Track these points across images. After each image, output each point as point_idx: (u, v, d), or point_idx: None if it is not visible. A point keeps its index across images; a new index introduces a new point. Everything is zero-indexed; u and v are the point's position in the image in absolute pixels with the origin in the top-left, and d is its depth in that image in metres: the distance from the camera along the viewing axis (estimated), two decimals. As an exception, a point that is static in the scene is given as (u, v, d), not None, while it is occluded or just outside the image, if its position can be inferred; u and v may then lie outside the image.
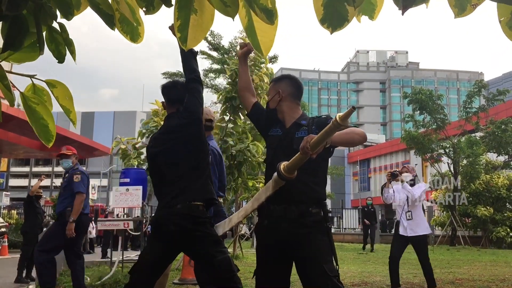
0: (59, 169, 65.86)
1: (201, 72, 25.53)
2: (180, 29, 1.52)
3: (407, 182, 6.41)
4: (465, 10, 1.30)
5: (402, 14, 1.12)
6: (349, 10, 1.56)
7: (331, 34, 1.61)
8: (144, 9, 1.56)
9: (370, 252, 15.68)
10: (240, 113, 8.50)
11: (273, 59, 27.57)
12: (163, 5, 1.47)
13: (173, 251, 3.10)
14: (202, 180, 3.08)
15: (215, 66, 27.29)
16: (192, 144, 3.12)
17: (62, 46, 1.92)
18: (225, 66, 9.78)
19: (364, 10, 1.56)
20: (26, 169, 66.24)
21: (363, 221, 18.03)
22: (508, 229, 19.59)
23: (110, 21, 1.88)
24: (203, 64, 28.40)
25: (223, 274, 2.90)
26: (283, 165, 2.36)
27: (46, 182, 53.74)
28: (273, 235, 2.55)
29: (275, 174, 2.39)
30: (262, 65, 8.26)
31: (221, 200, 4.54)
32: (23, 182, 65.03)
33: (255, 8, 1.48)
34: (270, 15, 1.48)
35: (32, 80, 2.02)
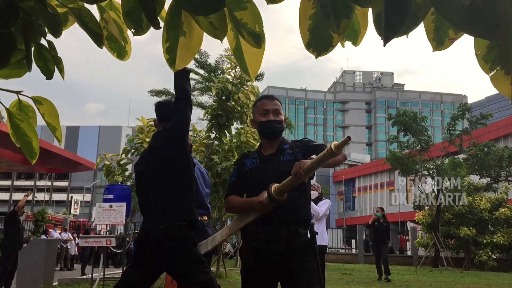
0: (41, 183, 65.05)
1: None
2: (169, 51, 1.54)
3: (312, 200, 6.75)
4: (443, 44, 1.34)
5: (384, 45, 1.15)
6: (333, 36, 1.61)
7: (316, 58, 1.65)
8: (132, 30, 1.58)
9: (384, 282, 11.67)
10: (226, 131, 8.52)
11: (259, 76, 27.80)
12: (151, 27, 1.49)
13: (156, 271, 3.07)
14: (185, 201, 3.06)
15: (200, 86, 27.49)
16: (175, 165, 3.10)
17: (50, 62, 1.93)
18: (211, 84, 9.78)
19: (348, 36, 1.60)
20: (8, 182, 65.22)
21: (373, 241, 13.34)
22: (490, 253, 19.76)
23: (98, 40, 1.90)
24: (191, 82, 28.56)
25: None
26: (274, 187, 2.37)
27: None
28: (261, 257, 2.51)
29: (265, 195, 2.39)
30: (248, 83, 8.32)
31: (205, 218, 4.50)
32: (4, 196, 64.03)
33: (243, 32, 1.51)
34: (258, 39, 1.51)
35: (18, 96, 2.02)
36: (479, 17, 1.09)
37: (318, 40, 1.58)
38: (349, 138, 2.12)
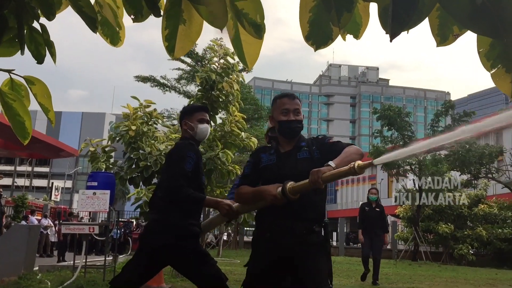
0: (22, 168, 64.11)
1: (173, 79, 24.88)
2: (168, 39, 1.52)
3: None
4: (447, 40, 1.35)
5: (391, 41, 1.15)
6: (334, 29, 1.60)
7: (315, 51, 1.64)
8: (132, 16, 1.55)
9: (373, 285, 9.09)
10: (211, 121, 8.46)
11: (246, 67, 27.71)
12: (151, 14, 1.46)
13: (158, 265, 3.10)
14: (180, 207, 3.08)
15: (187, 75, 27.34)
16: (165, 175, 3.18)
17: (42, 46, 1.89)
18: (196, 74, 9.68)
19: (350, 29, 1.60)
20: (-14, 167, 64.14)
21: (364, 232, 9.63)
22: (470, 247, 20.13)
23: (92, 24, 1.86)
24: (176, 71, 28.38)
25: (212, 286, 2.95)
26: (289, 185, 2.41)
27: (7, 181, 52.11)
28: (275, 248, 2.53)
29: (279, 189, 2.42)
30: (233, 73, 8.26)
31: None
32: (-17, 180, 62.88)
33: (244, 22, 1.49)
34: (259, 30, 1.50)
35: (10, 75, 1.97)
36: (486, 15, 1.09)
37: (318, 33, 1.57)
38: (372, 163, 2.28)
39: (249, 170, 2.77)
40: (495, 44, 1.26)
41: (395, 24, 1.12)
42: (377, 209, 9.66)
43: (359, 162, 2.22)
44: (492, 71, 1.29)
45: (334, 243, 31.58)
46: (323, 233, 2.60)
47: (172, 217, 2.99)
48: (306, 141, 2.73)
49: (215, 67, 8.14)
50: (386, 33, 1.16)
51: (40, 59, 1.98)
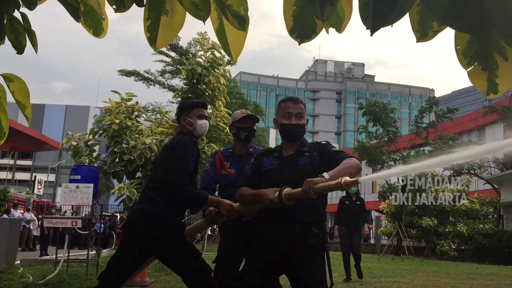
0: (4, 161, 63.15)
1: (157, 72, 24.57)
2: (150, 29, 1.51)
3: None
4: (427, 36, 1.36)
5: (371, 35, 1.15)
6: (317, 23, 1.60)
7: (299, 45, 1.65)
8: (114, 6, 1.53)
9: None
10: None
11: (231, 60, 27.64)
12: (134, 4, 1.45)
13: (146, 257, 3.10)
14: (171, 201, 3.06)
15: (171, 68, 27.15)
16: (166, 170, 3.09)
17: (22, 36, 1.86)
18: (181, 67, 9.60)
19: (332, 22, 1.60)
20: (-33, 160, 63.05)
21: (342, 228, 8.99)
22: (451, 243, 20.40)
23: (75, 13, 1.84)
24: (160, 64, 28.15)
25: (199, 279, 2.95)
26: (285, 191, 2.50)
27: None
28: (276, 248, 2.60)
29: (276, 194, 2.52)
30: (220, 67, 8.21)
31: None
32: (-37, 173, 61.85)
33: (227, 14, 1.49)
34: (242, 22, 1.49)
35: (-14, 73, 1.94)
36: (465, 12, 1.10)
37: (302, 27, 1.57)
38: (357, 181, 2.40)
39: (250, 173, 2.85)
40: (472, 42, 1.28)
41: (375, 19, 1.13)
42: (358, 203, 9.04)
43: (346, 178, 2.33)
44: (469, 69, 1.31)
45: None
46: (321, 235, 2.65)
47: (167, 211, 2.98)
48: (308, 146, 2.78)
49: (202, 60, 8.09)
50: (367, 28, 1.17)
51: (20, 49, 1.95)
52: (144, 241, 2.94)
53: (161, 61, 27.71)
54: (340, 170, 2.46)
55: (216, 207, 3.00)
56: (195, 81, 7.83)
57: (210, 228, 27.63)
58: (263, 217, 2.74)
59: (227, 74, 8.68)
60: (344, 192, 8.46)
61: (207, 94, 7.95)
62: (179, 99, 8.52)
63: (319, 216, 2.70)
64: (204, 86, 7.86)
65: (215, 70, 8.04)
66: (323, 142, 2.84)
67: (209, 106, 8.53)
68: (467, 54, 1.33)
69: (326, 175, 2.40)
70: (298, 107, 2.79)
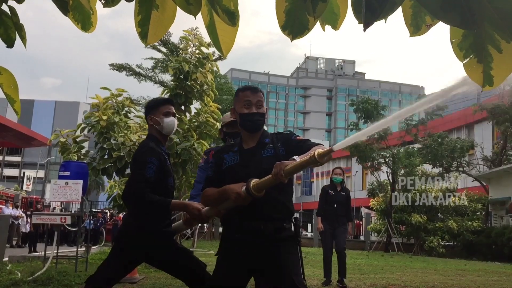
0: (-8, 157, 62.48)
1: (148, 68, 24.36)
2: (141, 24, 1.49)
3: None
4: (420, 30, 1.36)
5: (364, 30, 1.15)
6: (310, 19, 1.59)
7: (291, 41, 1.64)
8: (102, 1, 1.51)
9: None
10: (186, 111, 8.38)
11: (220, 56, 27.57)
12: (123, -2, 1.43)
13: (137, 263, 3.15)
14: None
15: (162, 64, 27.03)
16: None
17: (11, 30, 1.84)
18: (169, 64, 9.54)
19: (327, 19, 1.60)
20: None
21: (321, 217, 7.90)
22: (440, 239, 20.59)
23: (63, 7, 1.81)
24: (150, 61, 28.00)
25: (198, 278, 2.95)
26: (253, 182, 2.33)
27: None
28: (246, 248, 2.48)
29: (243, 188, 2.34)
30: (207, 62, 8.18)
31: None
32: None
33: (217, 9, 1.47)
34: (232, 17, 1.48)
35: (-27, 66, 1.91)
36: (456, 5, 1.10)
37: (294, 23, 1.56)
38: (332, 149, 2.14)
39: (211, 172, 2.68)
40: (467, 34, 1.28)
41: (368, 14, 1.13)
42: (343, 193, 7.89)
43: (319, 150, 2.14)
44: (465, 61, 1.31)
45: (309, 235, 31.90)
46: (293, 229, 2.57)
47: (147, 224, 2.95)
48: (270, 137, 2.64)
49: (189, 57, 8.06)
50: (359, 23, 1.16)
51: (9, 43, 1.92)
52: (133, 255, 2.98)
53: (151, 58, 27.56)
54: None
55: (183, 210, 2.96)
56: (182, 77, 7.81)
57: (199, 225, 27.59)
58: (229, 216, 2.57)
59: (215, 69, 8.64)
60: (329, 181, 8.26)
61: (195, 90, 7.93)
62: (168, 95, 8.49)
63: (288, 211, 2.59)
64: (192, 82, 7.84)
65: (203, 66, 8.01)
66: (286, 132, 2.71)
67: (198, 102, 8.51)
68: (463, 47, 1.33)
69: (296, 158, 2.24)
70: (257, 96, 2.64)
